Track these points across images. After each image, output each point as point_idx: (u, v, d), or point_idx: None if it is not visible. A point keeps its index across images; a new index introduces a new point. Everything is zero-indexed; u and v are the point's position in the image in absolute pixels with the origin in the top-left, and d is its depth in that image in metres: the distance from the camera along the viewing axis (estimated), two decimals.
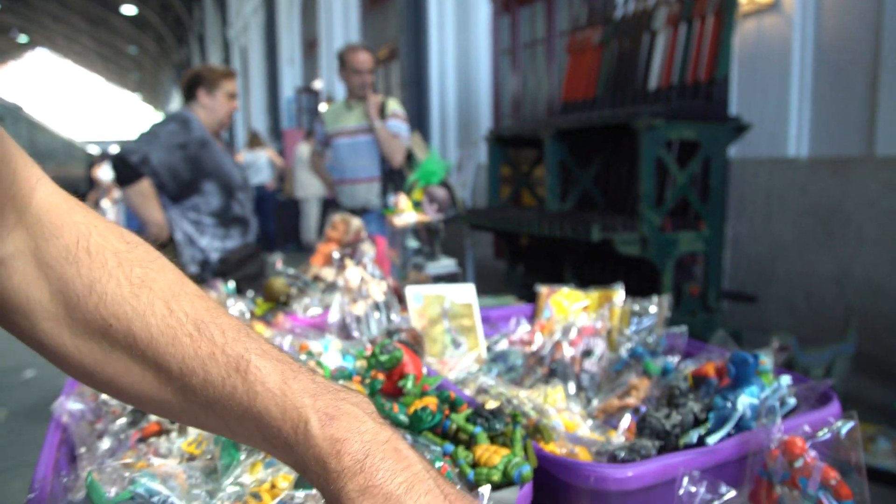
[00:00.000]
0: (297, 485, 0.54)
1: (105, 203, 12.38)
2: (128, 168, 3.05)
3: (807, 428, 0.68)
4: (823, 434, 0.67)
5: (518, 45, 7.38)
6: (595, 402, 1.07)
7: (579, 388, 1.15)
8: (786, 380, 0.79)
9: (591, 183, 4.11)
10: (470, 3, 7.69)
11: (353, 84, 4.04)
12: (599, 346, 1.18)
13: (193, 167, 3.17)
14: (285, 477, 0.57)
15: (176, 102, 46.02)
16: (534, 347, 1.24)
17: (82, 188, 20.38)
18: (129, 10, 28.71)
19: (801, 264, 4.04)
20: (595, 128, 3.75)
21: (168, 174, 3.11)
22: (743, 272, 4.39)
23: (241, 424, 0.50)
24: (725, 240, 4.14)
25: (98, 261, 0.53)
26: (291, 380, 0.50)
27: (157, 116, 63.34)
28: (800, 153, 4.04)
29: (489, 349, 1.30)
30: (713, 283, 3.55)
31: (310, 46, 14.38)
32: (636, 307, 1.20)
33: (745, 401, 0.74)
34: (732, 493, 0.61)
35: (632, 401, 1.02)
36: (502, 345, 1.27)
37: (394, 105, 4.03)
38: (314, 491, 0.53)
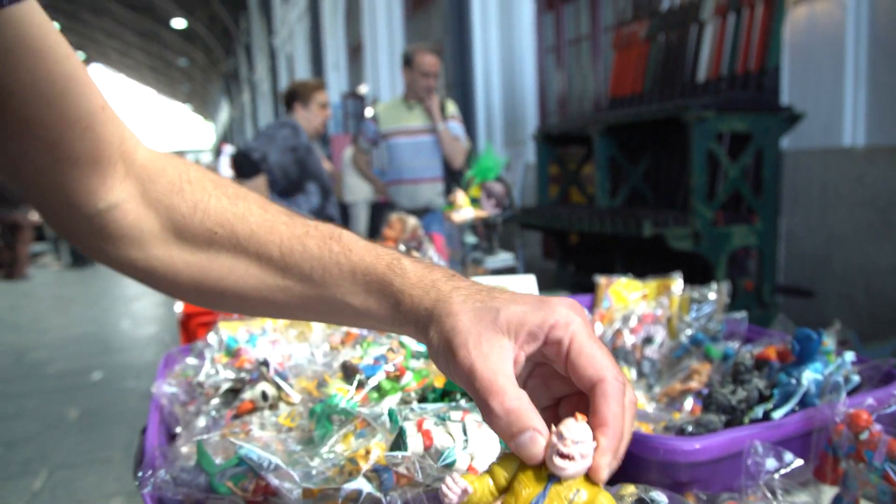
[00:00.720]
0: (393, 447, 0.59)
1: None
2: (250, 163, 3.58)
3: (871, 401, 0.70)
4: (889, 407, 0.69)
5: (563, 42, 7.36)
6: (657, 389, 1.10)
7: (640, 375, 1.17)
8: (849, 356, 0.81)
9: (641, 179, 4.09)
10: (513, 2, 7.70)
11: (420, 86, 4.09)
12: (660, 334, 1.20)
13: (301, 169, 3.68)
14: (378, 444, 0.62)
15: (225, 112, 47.03)
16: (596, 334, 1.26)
17: None
18: (178, 23, 29.50)
19: (859, 257, 3.95)
20: (644, 122, 3.74)
21: (281, 173, 3.62)
22: (799, 267, 4.31)
23: (339, 284, 0.57)
24: (780, 234, 4.07)
25: (198, 186, 0.63)
26: (379, 247, 0.58)
27: (208, 126, 64.89)
28: (856, 142, 3.95)
29: None
30: (768, 278, 3.50)
31: (354, 51, 14.57)
32: (695, 294, 1.22)
33: (810, 376, 0.76)
34: (800, 462, 0.63)
35: (694, 385, 1.04)
36: None
37: (452, 107, 4.10)
38: (409, 452, 0.57)
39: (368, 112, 12.77)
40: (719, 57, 3.79)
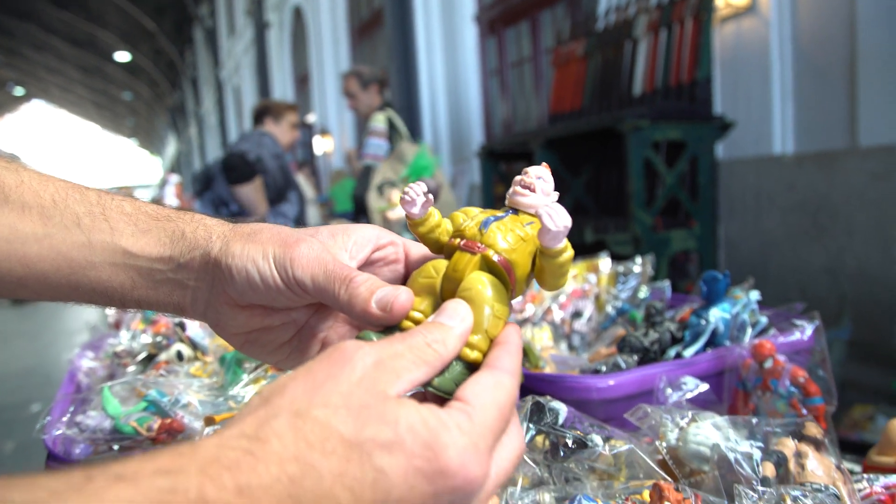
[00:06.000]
0: None
1: None
2: (247, 164, 3.43)
3: (774, 331, 0.73)
4: (790, 336, 0.72)
5: (505, 65, 7.51)
6: (585, 355, 1.12)
7: (570, 347, 1.19)
8: (754, 294, 0.84)
9: (583, 190, 4.17)
10: (456, 27, 7.84)
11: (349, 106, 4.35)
12: (588, 308, 1.22)
13: (284, 176, 3.63)
14: None
15: (172, 146, 46.34)
16: (526, 314, 1.28)
17: None
18: (122, 56, 29.12)
19: (792, 259, 4.09)
20: (583, 135, 3.82)
21: (271, 178, 3.55)
22: (737, 270, 4.43)
23: (114, 228, 0.52)
24: (719, 240, 4.19)
25: None
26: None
27: (154, 161, 63.73)
28: (785, 150, 4.11)
29: None
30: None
31: (301, 81, 14.58)
32: (620, 269, 1.24)
33: (717, 314, 0.79)
34: (705, 387, 0.65)
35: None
36: None
37: (374, 122, 4.16)
38: None
39: (317, 140, 12.74)
40: (653, 70, 3.92)
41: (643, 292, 1.18)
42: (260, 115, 3.89)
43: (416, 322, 0.43)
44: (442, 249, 0.47)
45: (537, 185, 0.45)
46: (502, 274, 0.44)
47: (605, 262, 1.30)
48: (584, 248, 3.49)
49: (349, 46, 11.38)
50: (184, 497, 0.29)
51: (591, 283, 1.26)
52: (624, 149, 3.40)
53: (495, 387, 0.38)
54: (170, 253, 0.50)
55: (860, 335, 3.51)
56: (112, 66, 32.31)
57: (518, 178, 0.46)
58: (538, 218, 0.43)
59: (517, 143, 4.47)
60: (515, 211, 0.46)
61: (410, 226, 0.46)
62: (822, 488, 0.50)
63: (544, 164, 0.47)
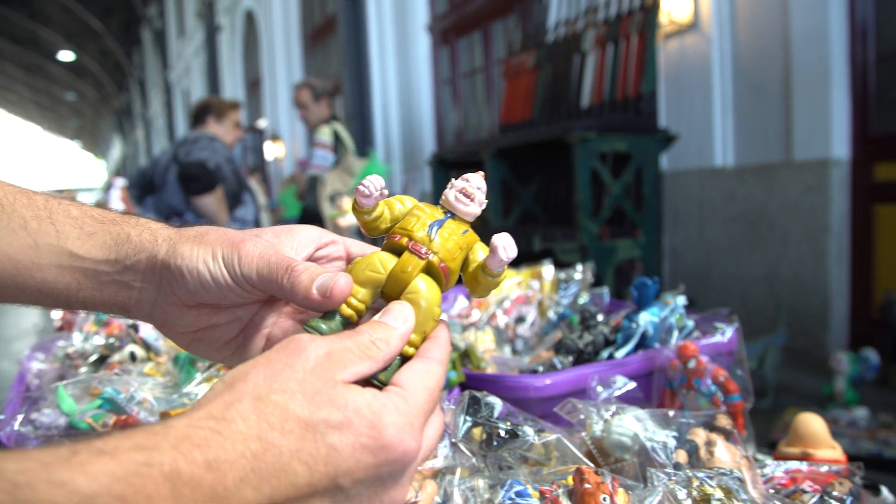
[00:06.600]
0: None
1: None
2: (208, 174, 3.30)
3: (697, 333, 0.78)
4: (712, 338, 0.77)
5: (458, 75, 7.59)
6: (526, 359, 1.16)
7: (514, 351, 1.24)
8: (681, 299, 0.90)
9: (532, 200, 4.26)
10: (410, 36, 7.89)
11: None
12: (531, 313, 1.27)
13: (237, 180, 3.51)
14: None
15: (117, 149, 45.25)
16: (472, 319, 1.33)
17: None
18: (66, 56, 28.33)
19: (734, 268, 4.25)
20: (533, 145, 3.91)
21: (227, 184, 3.42)
22: (682, 279, 4.57)
23: (59, 231, 0.54)
24: (663, 249, 4.32)
25: None
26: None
27: (99, 164, 62.04)
28: (726, 163, 4.27)
29: None
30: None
31: (253, 86, 14.44)
32: (562, 276, 1.30)
33: (647, 318, 0.84)
34: (633, 385, 0.70)
35: None
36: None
37: (320, 134, 4.18)
38: None
39: (268, 146, 12.63)
40: (600, 84, 4.03)
41: (583, 298, 1.24)
42: (201, 114, 3.68)
43: (355, 309, 0.47)
44: (379, 234, 0.51)
45: (477, 195, 0.49)
46: (441, 278, 0.48)
47: (548, 270, 1.35)
48: (532, 257, 3.56)
49: (301, 52, 11.33)
50: (159, 470, 0.33)
51: (535, 289, 1.31)
52: (572, 160, 3.49)
53: (426, 374, 0.44)
54: (115, 256, 0.52)
55: (794, 341, 3.67)
56: (55, 66, 31.42)
57: (459, 183, 0.50)
58: (492, 250, 0.48)
59: (468, 153, 4.53)
60: (452, 215, 0.50)
61: (356, 212, 0.50)
62: (728, 472, 0.56)
63: (481, 172, 0.51)
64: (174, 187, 3.47)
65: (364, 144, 8.26)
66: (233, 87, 15.45)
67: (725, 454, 0.60)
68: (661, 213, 3.94)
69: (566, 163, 3.88)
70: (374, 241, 0.56)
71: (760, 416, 2.42)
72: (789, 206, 3.87)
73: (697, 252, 4.49)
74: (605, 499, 0.50)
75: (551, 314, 1.23)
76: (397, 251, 0.49)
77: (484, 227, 4.25)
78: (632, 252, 3.60)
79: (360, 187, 0.48)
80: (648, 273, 3.69)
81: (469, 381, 0.79)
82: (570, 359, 0.83)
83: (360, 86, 8.20)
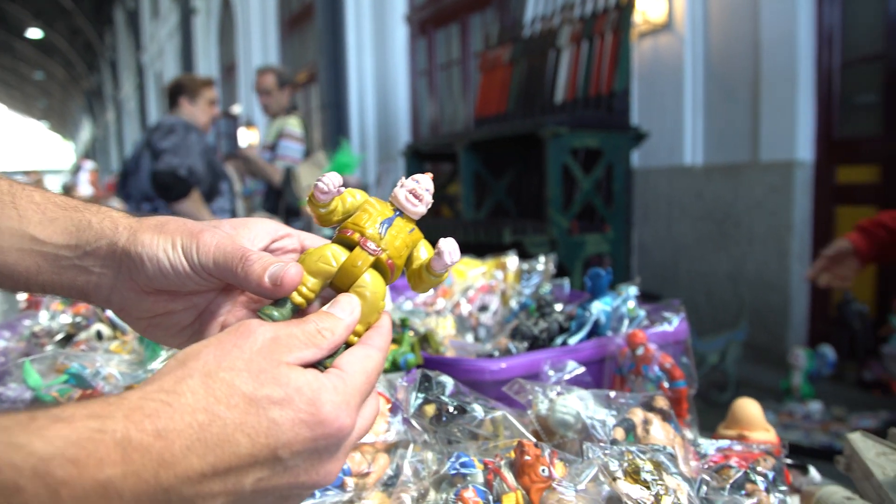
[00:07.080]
0: None
1: None
2: (181, 182, 3.26)
3: (646, 322, 0.82)
4: (660, 326, 0.81)
5: (434, 66, 7.60)
6: (488, 345, 1.20)
7: (476, 339, 1.27)
8: (633, 290, 0.94)
9: (504, 193, 4.29)
10: (387, 26, 7.87)
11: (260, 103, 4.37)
12: (494, 302, 1.30)
13: (213, 171, 3.46)
14: None
15: (87, 131, 44.43)
16: (437, 308, 1.36)
17: None
18: (34, 33, 27.72)
19: (700, 265, 4.33)
20: (506, 139, 3.94)
21: (202, 181, 3.38)
22: (650, 274, 4.65)
23: (21, 215, 0.55)
24: (632, 244, 4.38)
25: None
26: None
27: (67, 146, 60.84)
28: (695, 161, 4.35)
29: (395, 311, 1.41)
30: (618, 283, 3.76)
31: (228, 71, 14.28)
32: (525, 266, 1.33)
33: (599, 307, 0.88)
34: (582, 369, 0.74)
35: None
36: (407, 306, 1.39)
37: (288, 125, 4.19)
38: None
39: (242, 132, 12.53)
40: (574, 80, 4.07)
41: (545, 288, 1.27)
42: (174, 96, 3.65)
43: (304, 297, 0.50)
44: (331, 226, 0.53)
45: (425, 196, 0.52)
46: (387, 273, 0.52)
47: (511, 260, 1.39)
48: (502, 248, 3.60)
49: (278, 39, 11.23)
50: (111, 437, 0.36)
51: (498, 279, 1.34)
52: (544, 154, 3.53)
53: (365, 358, 0.48)
54: (76, 241, 0.54)
55: (755, 337, 3.76)
56: (22, 43, 30.72)
57: (409, 184, 0.52)
58: (438, 253, 0.52)
59: (443, 145, 4.55)
60: (401, 213, 0.52)
61: (311, 205, 0.53)
62: (661, 448, 0.60)
63: (429, 174, 0.54)
64: (146, 173, 3.46)
65: (339, 133, 8.24)
66: (207, 71, 15.25)
67: (660, 432, 0.64)
68: (631, 209, 4.00)
69: (538, 157, 3.92)
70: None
71: (721, 408, 2.50)
72: (754, 206, 3.96)
73: (665, 248, 4.57)
74: (543, 470, 0.54)
75: (513, 304, 1.26)
76: (349, 245, 0.52)
77: (457, 221, 4.29)
78: (600, 247, 3.65)
79: (319, 184, 0.51)
80: (617, 268, 3.75)
81: (427, 363, 0.82)
82: (525, 344, 0.86)
83: (337, 74, 8.17)
